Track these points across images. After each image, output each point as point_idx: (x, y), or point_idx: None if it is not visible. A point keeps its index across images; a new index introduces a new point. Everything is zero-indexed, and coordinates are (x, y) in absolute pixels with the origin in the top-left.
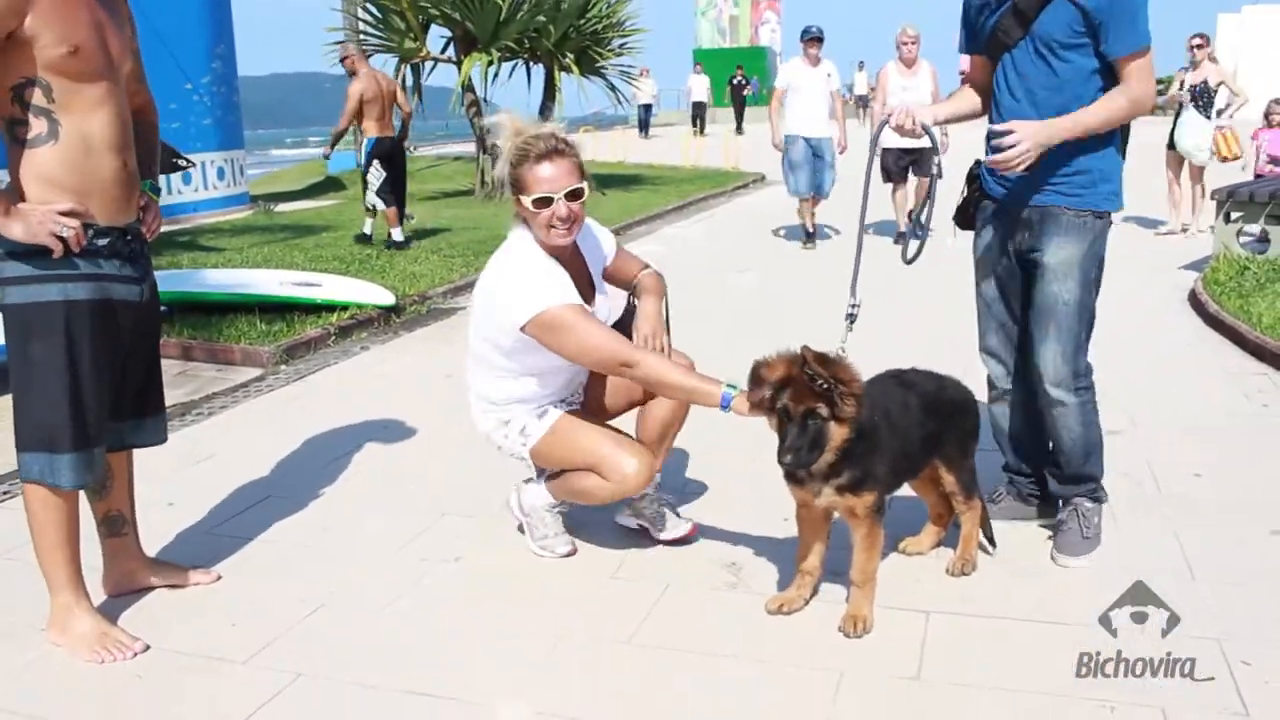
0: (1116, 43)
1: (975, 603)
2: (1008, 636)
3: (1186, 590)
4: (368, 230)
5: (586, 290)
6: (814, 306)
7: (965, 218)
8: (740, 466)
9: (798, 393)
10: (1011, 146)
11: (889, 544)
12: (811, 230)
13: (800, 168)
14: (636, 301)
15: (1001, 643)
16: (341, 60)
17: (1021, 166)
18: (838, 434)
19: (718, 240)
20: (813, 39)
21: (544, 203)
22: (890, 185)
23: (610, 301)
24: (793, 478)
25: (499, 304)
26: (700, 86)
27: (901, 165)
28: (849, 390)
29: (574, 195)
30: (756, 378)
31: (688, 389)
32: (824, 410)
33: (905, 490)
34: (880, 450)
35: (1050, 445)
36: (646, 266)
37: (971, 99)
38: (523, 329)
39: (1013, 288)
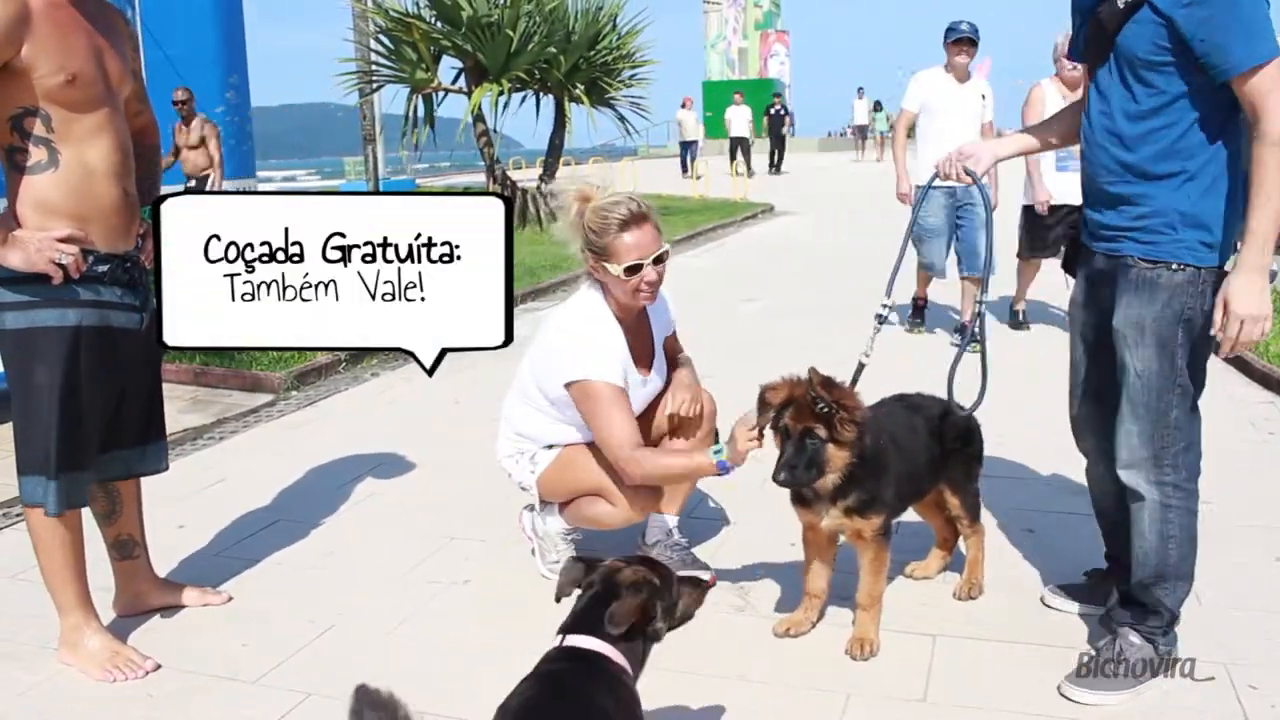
0: (1223, 58)
1: (981, 626)
2: (1014, 660)
3: (1193, 615)
4: None
5: (645, 357)
6: (822, 338)
7: (1069, 263)
8: (748, 492)
9: (798, 412)
10: (1239, 329)
11: (895, 568)
12: (921, 305)
13: (935, 236)
14: (673, 372)
15: (1008, 666)
16: (183, 104)
17: (1258, 334)
18: (836, 457)
19: (726, 271)
20: (962, 40)
21: (634, 270)
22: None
23: (660, 378)
24: (800, 500)
25: (558, 355)
26: (741, 119)
27: (1055, 234)
28: (849, 416)
29: (659, 259)
30: (762, 401)
31: (688, 469)
32: (822, 432)
33: (911, 515)
34: (888, 473)
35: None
36: (682, 352)
37: (1047, 133)
38: (566, 386)
39: (1096, 349)
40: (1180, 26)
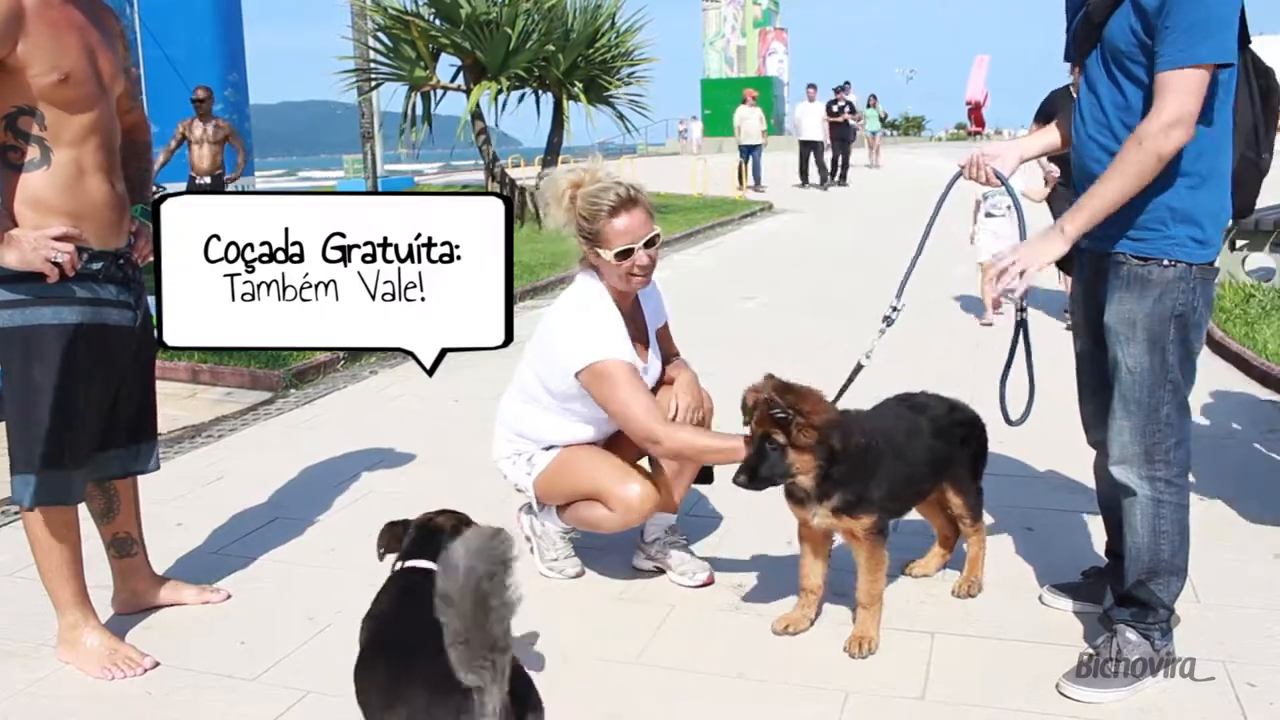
0: (1165, 47)
1: (981, 624)
2: (1013, 657)
3: (1192, 613)
4: None
5: (641, 343)
6: (820, 336)
7: (1066, 260)
8: (746, 492)
9: (760, 417)
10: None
11: (894, 566)
12: None
13: None
14: (673, 374)
15: (1007, 664)
16: (202, 102)
17: (1021, 287)
18: (798, 460)
19: (724, 269)
20: None
21: (626, 254)
22: None
23: (658, 362)
24: (792, 497)
25: (559, 347)
26: (813, 119)
27: None
28: (806, 421)
29: (651, 243)
30: (744, 403)
31: (717, 450)
32: (779, 437)
33: (910, 513)
34: (877, 474)
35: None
36: (678, 353)
37: (1069, 129)
38: (576, 375)
39: (1095, 345)
40: (1150, 15)
